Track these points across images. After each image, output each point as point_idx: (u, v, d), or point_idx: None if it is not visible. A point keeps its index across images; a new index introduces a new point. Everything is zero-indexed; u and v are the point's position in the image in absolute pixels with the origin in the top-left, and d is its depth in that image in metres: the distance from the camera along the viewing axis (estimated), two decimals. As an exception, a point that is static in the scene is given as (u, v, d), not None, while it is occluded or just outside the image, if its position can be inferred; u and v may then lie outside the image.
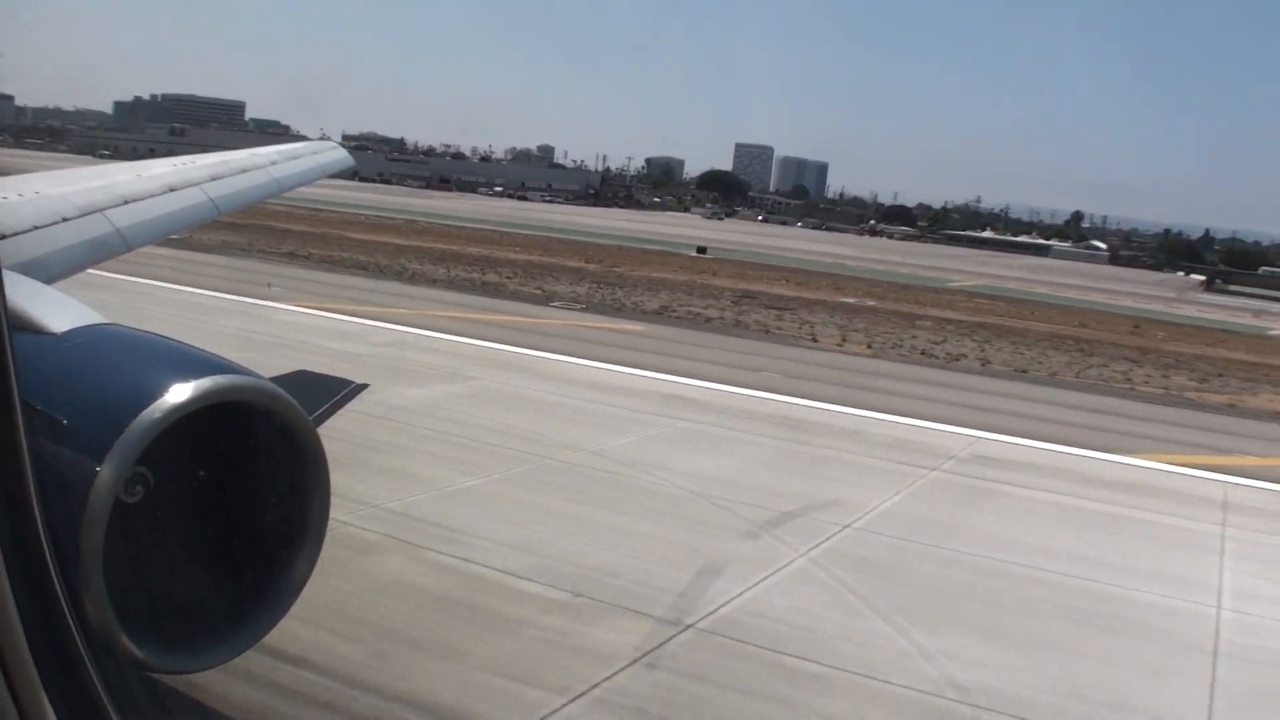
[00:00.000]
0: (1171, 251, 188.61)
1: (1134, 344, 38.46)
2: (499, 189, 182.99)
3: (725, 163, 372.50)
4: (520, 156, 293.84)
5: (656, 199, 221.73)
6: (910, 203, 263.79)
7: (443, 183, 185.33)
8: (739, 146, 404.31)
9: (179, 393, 2.82)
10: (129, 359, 3.19)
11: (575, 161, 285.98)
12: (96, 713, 1.99)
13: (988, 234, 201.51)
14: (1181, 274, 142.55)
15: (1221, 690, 7.30)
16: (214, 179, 8.80)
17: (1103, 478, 13.72)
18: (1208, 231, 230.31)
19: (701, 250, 66.77)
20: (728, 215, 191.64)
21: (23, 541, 1.90)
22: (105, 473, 2.64)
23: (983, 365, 27.11)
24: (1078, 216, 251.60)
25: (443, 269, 36.92)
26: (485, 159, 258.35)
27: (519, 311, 27.06)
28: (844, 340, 28.97)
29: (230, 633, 3.03)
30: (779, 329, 30.05)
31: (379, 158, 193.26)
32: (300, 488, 3.14)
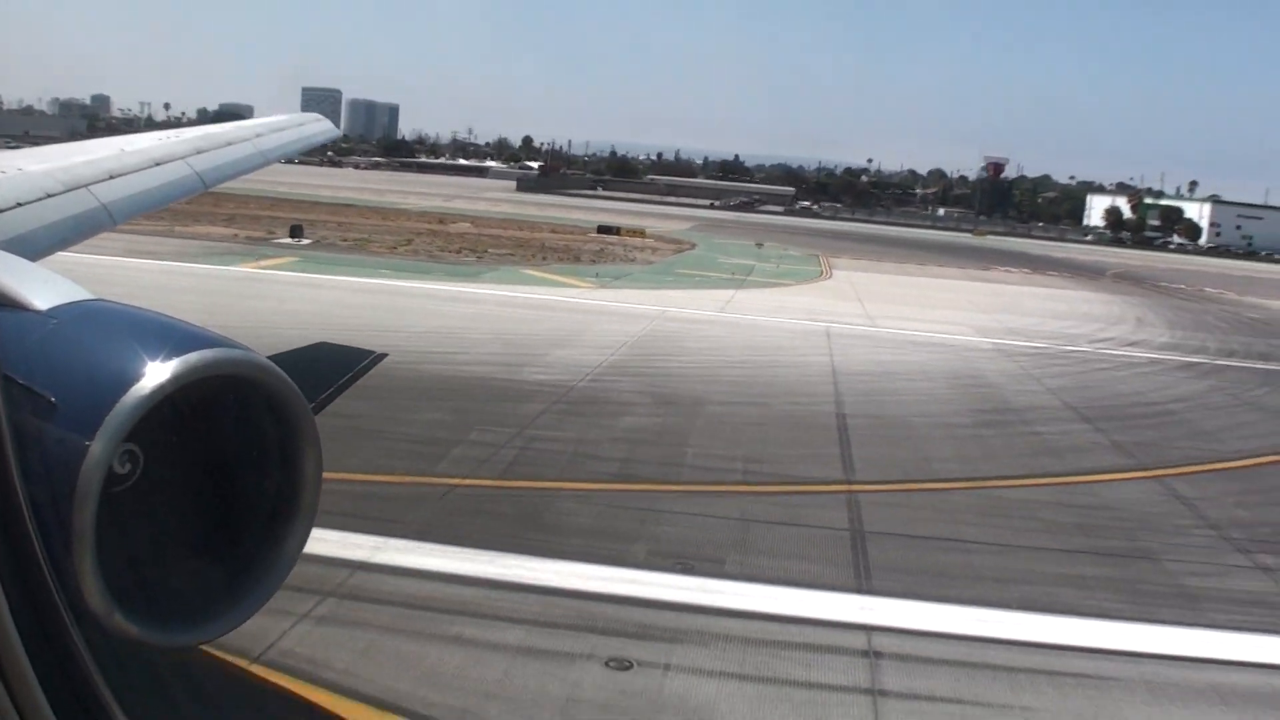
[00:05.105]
0: (616, 171, 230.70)
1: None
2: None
3: (296, 107, 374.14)
4: (65, 108, 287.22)
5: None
6: (479, 139, 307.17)
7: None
8: (306, 90, 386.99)
9: (169, 367, 2.78)
10: (117, 334, 3.14)
11: (123, 111, 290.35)
12: (91, 697, 1.97)
13: (442, 160, 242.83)
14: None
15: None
16: (199, 152, 8.71)
17: None
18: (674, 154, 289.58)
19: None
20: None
21: (8, 524, 1.86)
22: (96, 449, 2.60)
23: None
24: (527, 140, 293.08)
25: None
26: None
27: None
28: None
29: (225, 606, 3.02)
30: None
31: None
32: (292, 460, 3.12)
